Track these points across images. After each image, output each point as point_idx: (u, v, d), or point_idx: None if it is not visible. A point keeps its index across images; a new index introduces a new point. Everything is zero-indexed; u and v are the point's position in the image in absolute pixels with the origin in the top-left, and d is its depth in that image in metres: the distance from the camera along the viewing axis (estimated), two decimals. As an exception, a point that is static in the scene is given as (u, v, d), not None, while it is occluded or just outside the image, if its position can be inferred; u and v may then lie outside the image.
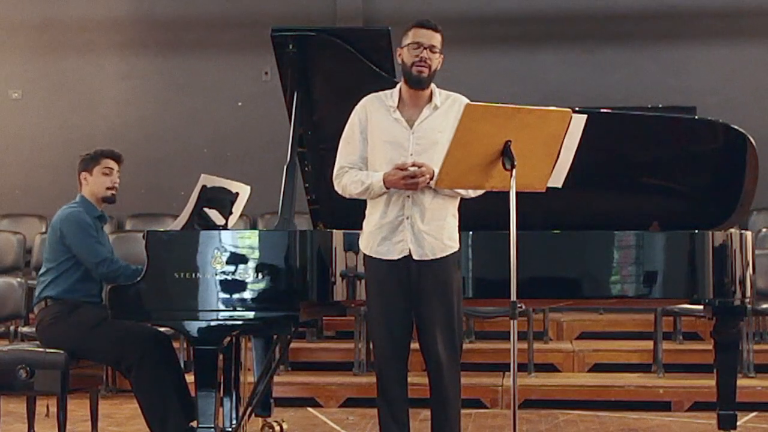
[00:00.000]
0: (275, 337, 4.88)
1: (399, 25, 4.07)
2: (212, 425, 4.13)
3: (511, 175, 3.56)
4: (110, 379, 6.80)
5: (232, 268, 4.12)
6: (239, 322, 4.14)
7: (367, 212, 3.99)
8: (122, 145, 6.21)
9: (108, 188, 4.76)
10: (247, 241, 4.20)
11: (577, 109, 4.09)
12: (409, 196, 3.85)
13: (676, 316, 7.08)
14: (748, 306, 4.65)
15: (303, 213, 5.39)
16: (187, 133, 9.57)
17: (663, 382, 6.51)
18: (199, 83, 9.61)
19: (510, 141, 3.57)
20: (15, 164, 9.66)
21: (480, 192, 3.88)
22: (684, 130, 4.93)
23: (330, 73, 4.65)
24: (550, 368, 6.90)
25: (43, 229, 8.55)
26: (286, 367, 6.92)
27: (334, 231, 4.28)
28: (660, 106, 8.85)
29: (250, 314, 4.13)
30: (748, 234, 4.64)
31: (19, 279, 6.34)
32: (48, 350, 4.58)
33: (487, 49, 9.36)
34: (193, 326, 4.14)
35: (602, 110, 4.83)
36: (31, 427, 5.03)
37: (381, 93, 3.99)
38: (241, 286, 4.12)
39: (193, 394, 4.28)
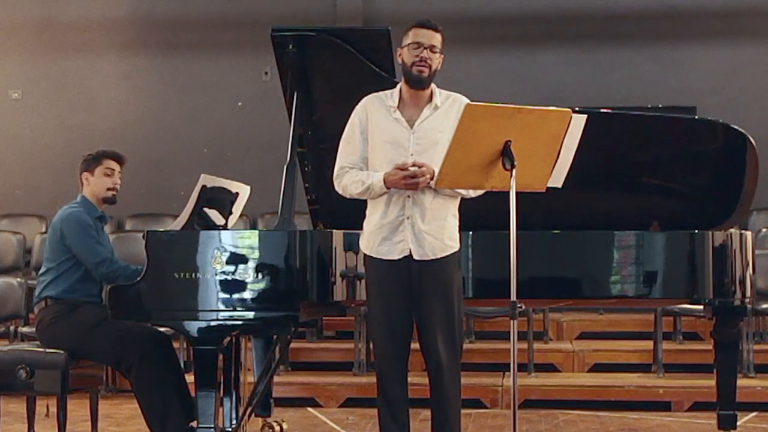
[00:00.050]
0: (275, 337, 4.88)
1: (399, 25, 4.07)
2: (212, 425, 4.13)
3: (511, 175, 3.56)
4: (110, 379, 6.80)
5: (232, 268, 4.12)
6: (239, 322, 4.14)
7: (367, 212, 3.98)
8: (122, 145, 6.22)
9: (109, 189, 4.76)
10: (247, 241, 4.20)
11: (577, 109, 4.09)
12: (409, 196, 3.85)
13: (676, 316, 7.08)
14: (748, 306, 4.66)
15: (303, 213, 5.40)
16: (187, 133, 9.57)
17: (663, 382, 6.51)
18: (199, 83, 9.60)
19: (510, 141, 3.57)
20: (15, 164, 9.65)
21: (480, 192, 3.88)
22: (684, 130, 4.93)
23: (330, 73, 4.65)
24: (550, 368, 6.89)
25: (43, 229, 8.55)
26: (286, 367, 6.92)
27: (334, 231, 4.27)
28: (660, 106, 8.84)
29: (250, 314, 4.13)
30: (748, 234, 4.64)
31: (19, 279, 6.34)
32: (48, 350, 4.57)
33: (487, 49, 9.35)
34: (193, 326, 4.14)
35: (602, 110, 4.82)
36: (31, 427, 5.03)
37: (381, 93, 3.99)
38: (241, 286, 4.12)
39: (193, 394, 4.28)
